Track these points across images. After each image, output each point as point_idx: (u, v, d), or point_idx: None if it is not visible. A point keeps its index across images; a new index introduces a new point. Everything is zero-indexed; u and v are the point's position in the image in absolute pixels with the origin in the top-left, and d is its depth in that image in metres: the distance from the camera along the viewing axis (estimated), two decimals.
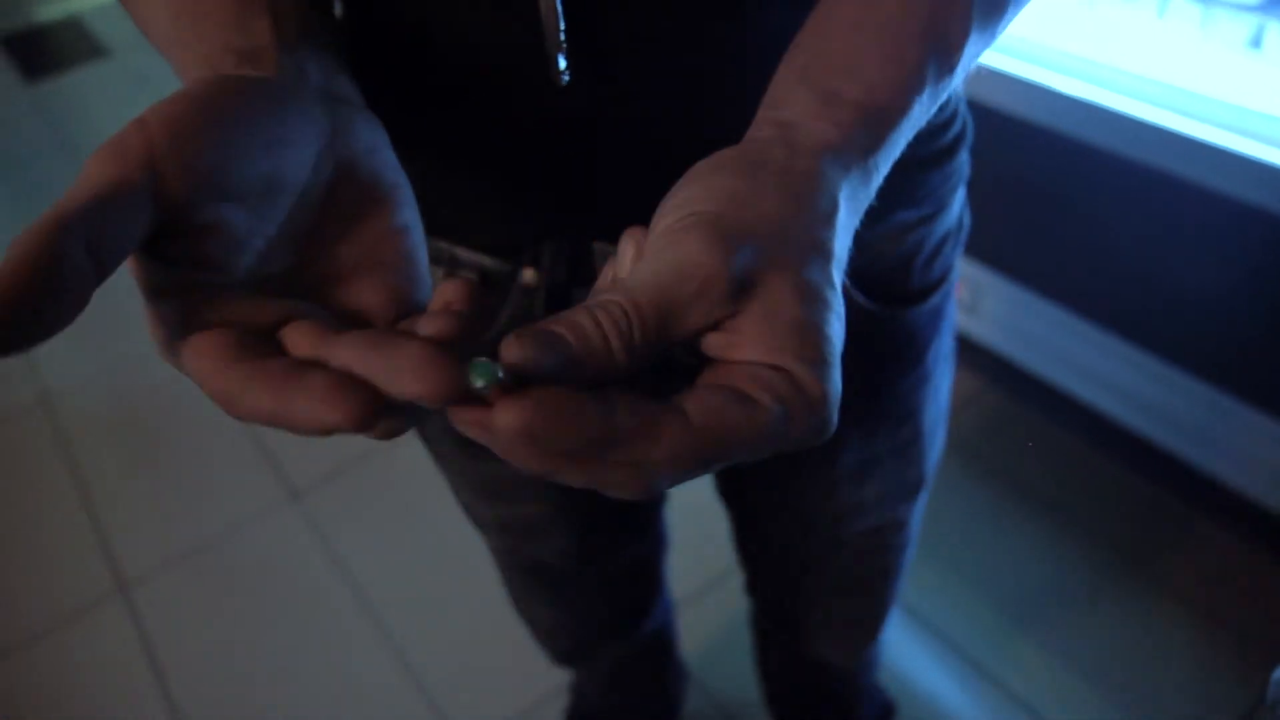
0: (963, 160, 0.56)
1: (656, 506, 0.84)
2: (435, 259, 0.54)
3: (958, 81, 0.38)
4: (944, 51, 0.36)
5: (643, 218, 0.37)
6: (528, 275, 0.51)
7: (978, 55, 0.38)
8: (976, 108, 1.30)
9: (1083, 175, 1.29)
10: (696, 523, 1.18)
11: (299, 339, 0.29)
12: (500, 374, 0.25)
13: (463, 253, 0.53)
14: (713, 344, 0.29)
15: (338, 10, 0.47)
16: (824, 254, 0.30)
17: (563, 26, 0.40)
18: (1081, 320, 1.40)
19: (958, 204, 0.58)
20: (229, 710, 1.37)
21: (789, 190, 0.30)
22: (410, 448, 1.71)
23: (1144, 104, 1.17)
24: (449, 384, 0.24)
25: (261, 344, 0.28)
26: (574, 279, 0.50)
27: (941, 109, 0.53)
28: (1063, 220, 1.36)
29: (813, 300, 0.29)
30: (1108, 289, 1.36)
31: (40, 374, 1.98)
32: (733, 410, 0.26)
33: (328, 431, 0.25)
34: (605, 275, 0.33)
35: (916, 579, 1.38)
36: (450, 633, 1.42)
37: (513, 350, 0.25)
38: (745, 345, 0.28)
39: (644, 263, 0.29)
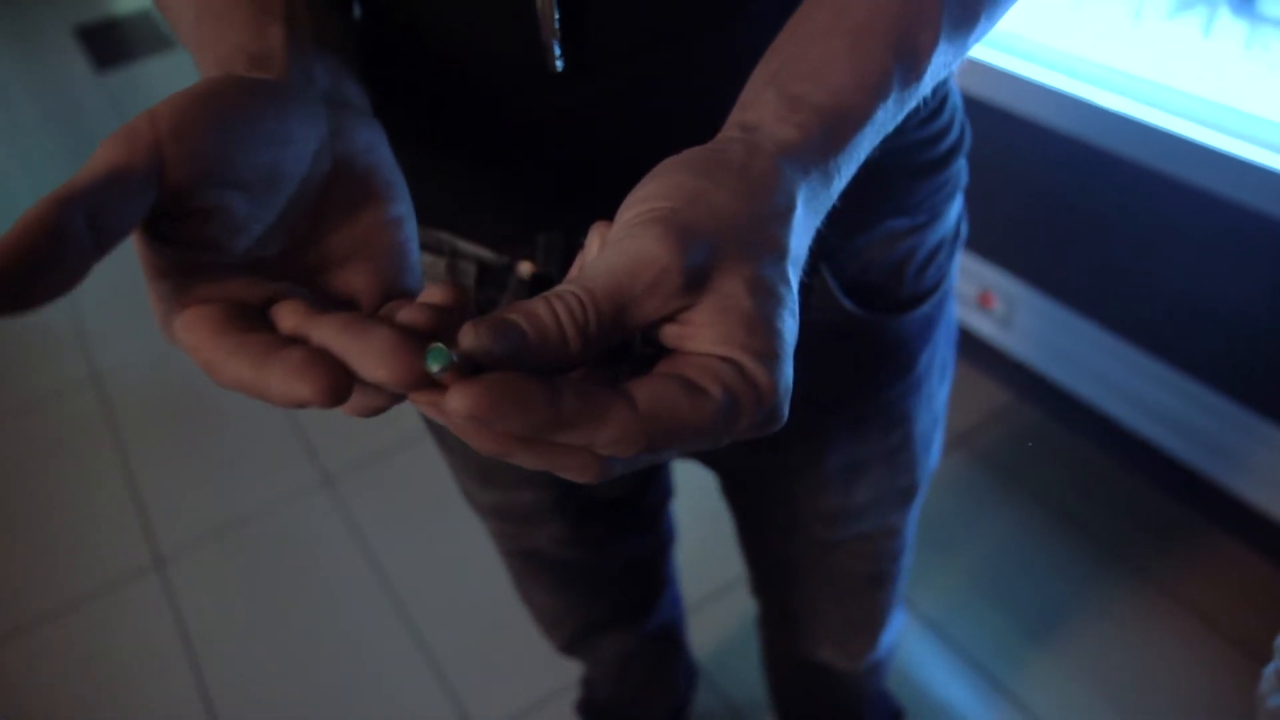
0: (959, 168, 0.56)
1: (661, 503, 0.85)
2: (436, 250, 0.55)
3: (926, 89, 0.38)
4: (911, 60, 0.36)
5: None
6: (524, 267, 0.53)
7: (949, 65, 0.39)
8: (1022, 125, 1.30)
9: (1123, 192, 1.27)
10: (713, 525, 1.18)
11: (286, 316, 0.30)
12: (454, 359, 0.26)
13: (462, 244, 0.54)
14: (668, 334, 0.30)
15: (356, 10, 0.49)
16: (778, 251, 0.31)
17: (557, 15, 0.41)
18: (1113, 336, 1.38)
19: (954, 212, 0.58)
20: (254, 684, 1.40)
21: (746, 189, 0.31)
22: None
23: (1186, 121, 1.15)
24: (409, 371, 0.26)
25: (249, 318, 0.30)
26: (566, 271, 0.51)
27: (935, 118, 0.53)
28: (1100, 237, 1.34)
29: (765, 295, 0.29)
30: (1140, 306, 1.34)
31: (92, 353, 2.05)
32: (680, 399, 0.27)
33: (299, 404, 0.27)
34: (575, 266, 0.34)
35: (933, 588, 1.37)
36: (470, 621, 1.44)
37: (468, 337, 0.26)
38: (698, 337, 0.29)
39: (602, 255, 0.30)
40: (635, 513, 0.82)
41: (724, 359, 0.29)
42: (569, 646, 0.98)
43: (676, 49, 0.43)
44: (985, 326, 1.57)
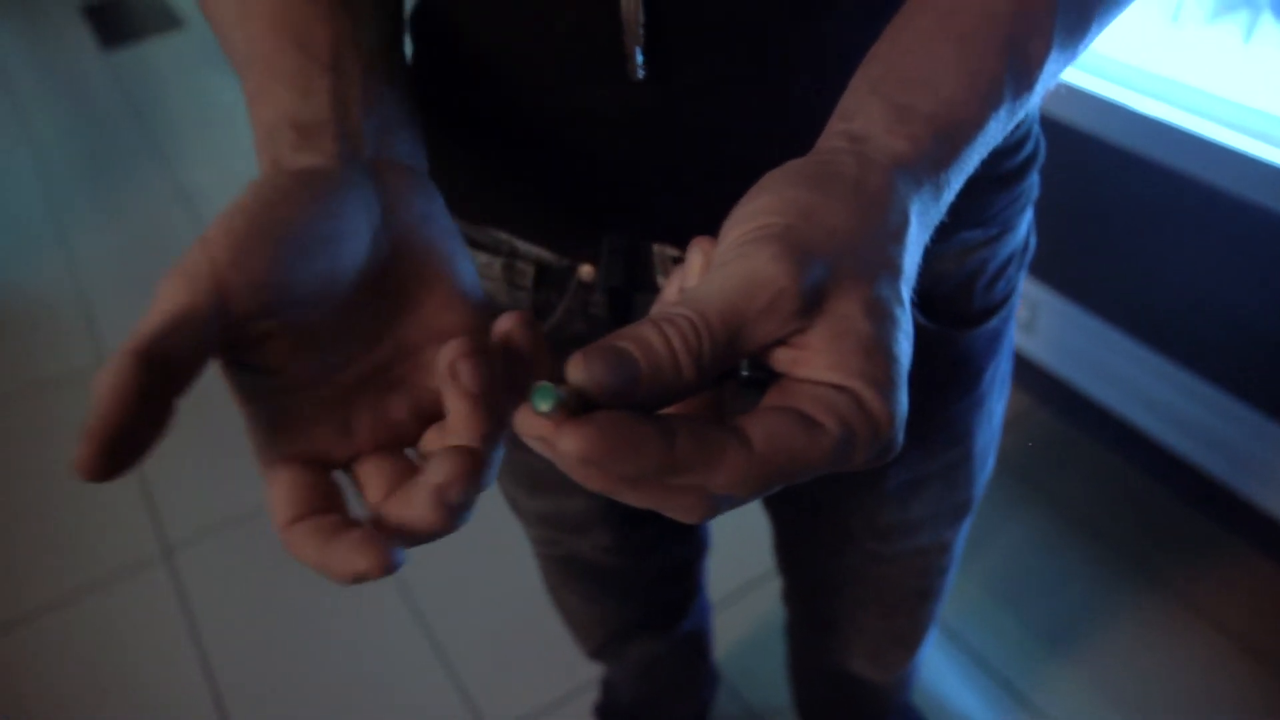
0: (1032, 181, 0.55)
1: None
2: (494, 250, 0.54)
3: (1036, 99, 0.37)
4: (1023, 67, 0.35)
5: (703, 222, 0.36)
6: (584, 271, 0.51)
7: (1058, 73, 0.37)
8: (1052, 127, 1.28)
9: (1151, 197, 1.26)
10: (734, 526, 1.17)
11: (371, 486, 0.33)
12: (562, 397, 0.25)
13: (522, 245, 0.52)
14: (780, 359, 0.28)
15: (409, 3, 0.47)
16: (894, 270, 0.29)
17: (643, 23, 0.39)
18: (1136, 343, 1.36)
19: (1024, 225, 0.57)
20: (263, 678, 1.39)
21: (860, 205, 0.30)
22: None
23: (1222, 126, 1.14)
24: (448, 525, 0.30)
25: (327, 493, 0.32)
26: (631, 279, 0.49)
27: (1015, 128, 0.51)
28: (1127, 242, 1.33)
29: (882, 318, 0.28)
30: (1166, 312, 1.32)
31: (101, 341, 2.03)
32: (796, 435, 0.26)
33: (359, 578, 0.29)
34: (672, 284, 0.33)
35: (954, 598, 1.36)
36: (485, 621, 1.43)
37: (577, 370, 0.25)
38: (812, 363, 0.27)
39: (713, 275, 0.28)
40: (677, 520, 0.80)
41: (839, 388, 0.27)
42: (599, 652, 0.96)
43: (752, 54, 0.42)
44: None
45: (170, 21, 3.39)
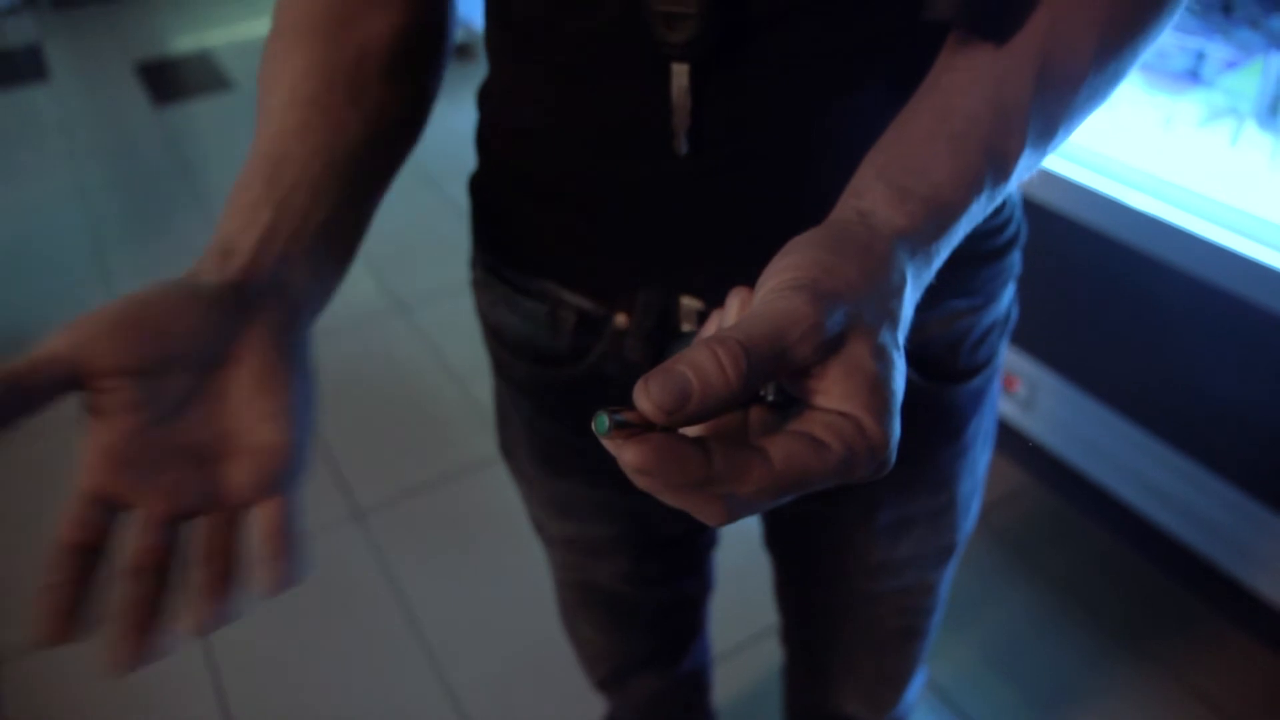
0: (1014, 259, 0.63)
1: (708, 548, 0.90)
2: (540, 298, 0.61)
3: (1012, 187, 0.44)
4: (1001, 163, 0.43)
5: (727, 278, 0.44)
6: (620, 319, 0.59)
7: (1032, 168, 0.45)
8: (1054, 219, 1.36)
9: (1147, 288, 1.33)
10: (739, 581, 1.22)
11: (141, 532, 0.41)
12: (620, 420, 0.32)
13: (566, 295, 0.60)
14: (801, 385, 0.35)
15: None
16: (894, 321, 0.37)
17: (689, 106, 0.47)
18: (1131, 424, 1.42)
19: (1007, 298, 0.64)
20: (275, 709, 1.43)
21: (869, 266, 0.37)
22: (472, 481, 1.78)
23: (1212, 225, 1.21)
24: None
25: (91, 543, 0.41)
26: (661, 326, 0.57)
27: (998, 213, 0.59)
28: (1123, 328, 1.40)
29: (884, 360, 0.35)
30: (1160, 397, 1.38)
31: None
32: (808, 454, 0.33)
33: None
34: (711, 324, 0.40)
35: (946, 658, 1.40)
36: (492, 659, 1.47)
37: (641, 396, 0.31)
38: (828, 391, 0.34)
39: (754, 312, 0.35)
40: (688, 554, 0.86)
41: (844, 415, 0.34)
42: (605, 682, 1.01)
43: (782, 134, 0.49)
44: (1007, 408, 1.62)
45: (220, 82, 3.56)
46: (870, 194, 0.41)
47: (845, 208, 0.41)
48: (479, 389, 2.03)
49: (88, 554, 0.40)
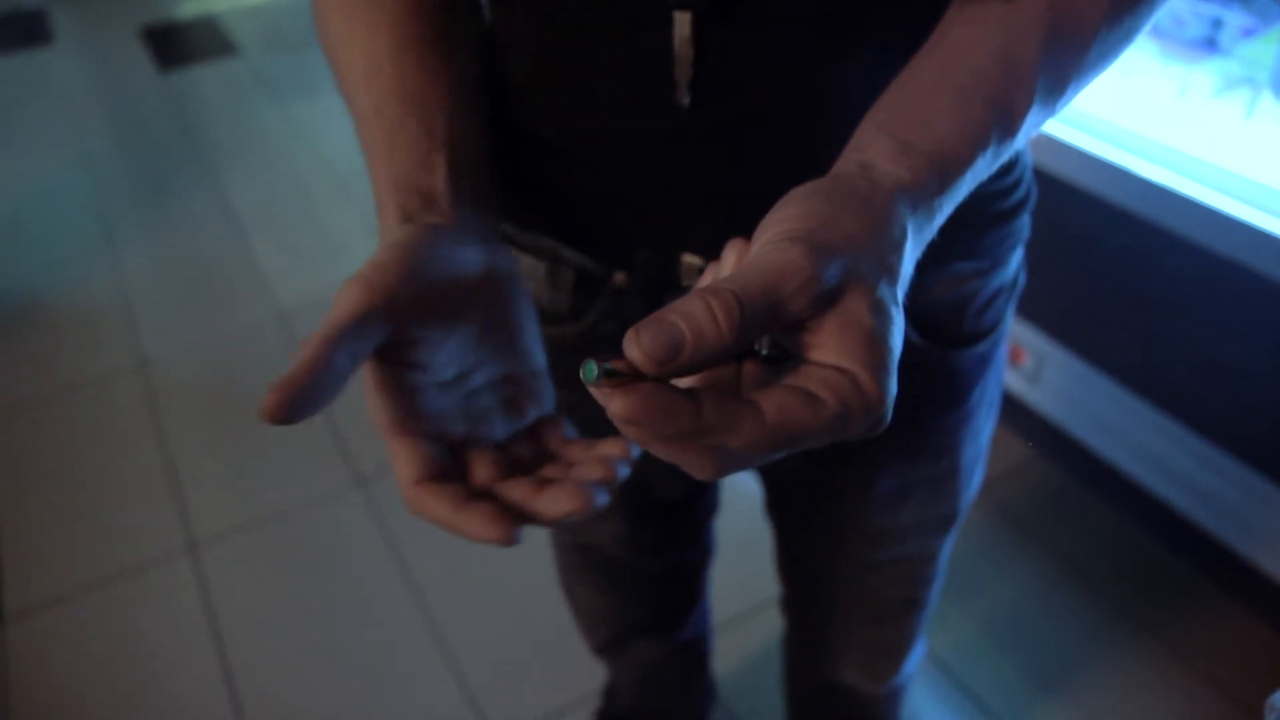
0: (1023, 223, 0.61)
1: (707, 516, 0.89)
2: (538, 253, 0.60)
3: (1019, 144, 0.43)
4: (1007, 119, 0.41)
5: (728, 234, 0.43)
6: (618, 278, 0.58)
7: (1039, 125, 0.44)
8: (1065, 190, 1.34)
9: (1157, 260, 1.31)
10: (742, 551, 1.22)
11: (479, 469, 0.42)
12: (608, 368, 0.31)
13: (565, 251, 0.59)
14: (796, 339, 0.34)
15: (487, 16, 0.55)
16: (892, 275, 0.36)
17: (692, 57, 0.46)
18: (1137, 398, 1.41)
19: (1015, 262, 0.63)
20: (277, 675, 1.44)
21: (870, 219, 0.36)
22: None
23: (1226, 197, 1.20)
24: (585, 506, 0.40)
25: (447, 468, 0.41)
26: (661, 285, 0.56)
27: (1007, 174, 0.58)
28: (1132, 301, 1.38)
29: (880, 314, 0.34)
30: (1167, 370, 1.37)
31: (141, 341, 2.11)
32: (801, 408, 0.32)
33: (487, 542, 0.38)
34: (707, 276, 0.39)
35: (948, 632, 1.40)
36: (493, 629, 1.48)
37: (631, 346, 0.31)
38: (823, 345, 0.33)
39: (749, 263, 0.34)
40: (685, 522, 0.86)
41: (840, 370, 0.33)
42: (604, 648, 1.01)
43: (784, 88, 0.48)
44: (1013, 381, 1.61)
45: (225, 47, 3.54)
46: (872, 147, 0.40)
47: (847, 160, 0.40)
48: None
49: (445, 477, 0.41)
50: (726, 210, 0.52)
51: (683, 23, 0.45)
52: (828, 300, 0.33)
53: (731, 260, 0.38)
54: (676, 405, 0.30)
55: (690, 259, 0.55)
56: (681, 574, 0.93)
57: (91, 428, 1.91)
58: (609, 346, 0.60)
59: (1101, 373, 1.46)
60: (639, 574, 0.88)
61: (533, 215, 0.60)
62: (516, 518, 0.39)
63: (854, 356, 0.33)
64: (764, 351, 0.36)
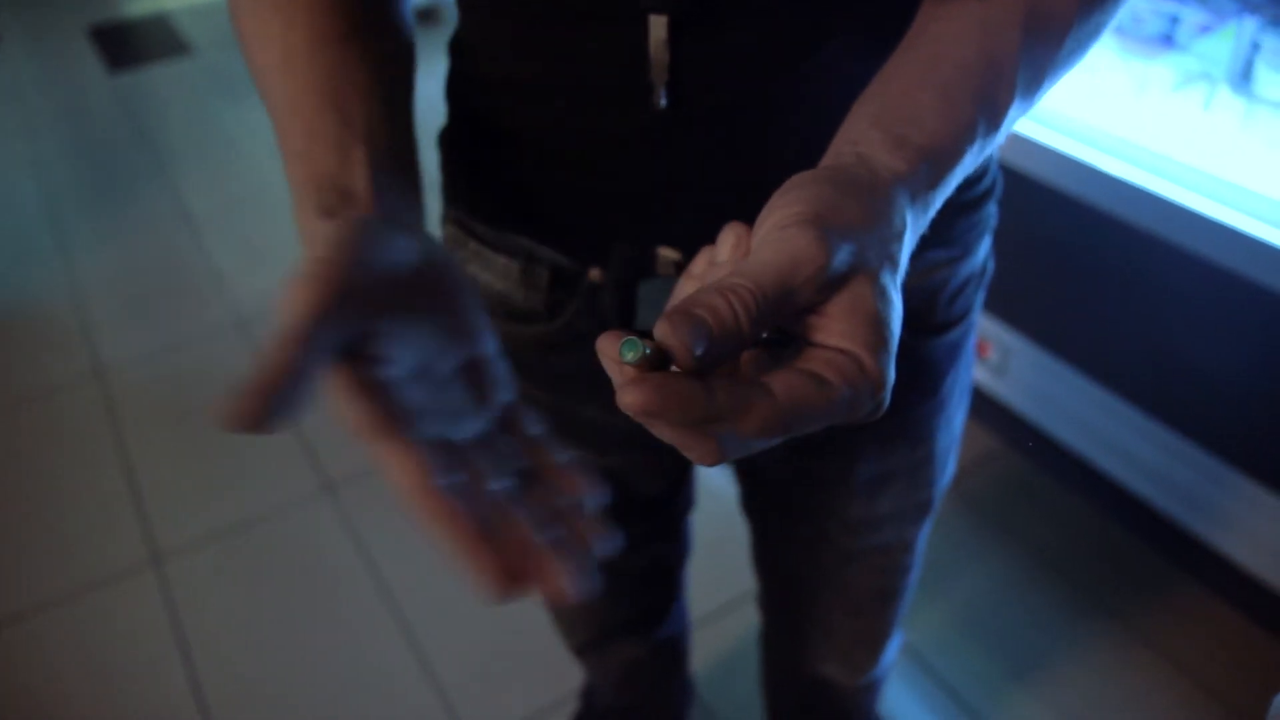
0: (990, 211, 0.62)
1: (685, 511, 0.89)
2: (512, 254, 0.60)
3: (1001, 138, 0.44)
4: (992, 113, 0.42)
5: (704, 229, 0.43)
6: (594, 274, 0.58)
7: (1019, 117, 0.45)
8: (1028, 184, 1.36)
9: (1119, 253, 1.33)
10: (715, 549, 1.22)
11: (482, 480, 0.39)
12: (647, 351, 0.31)
13: (540, 250, 0.59)
14: (801, 323, 0.35)
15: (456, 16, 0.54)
16: (894, 264, 0.36)
17: (668, 60, 0.46)
18: (1102, 389, 1.44)
19: (983, 250, 0.64)
20: (249, 687, 1.42)
21: (873, 207, 0.37)
22: None
23: (1185, 190, 1.22)
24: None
25: (441, 464, 0.38)
26: (636, 280, 0.56)
27: None
28: (1095, 294, 1.41)
29: (885, 301, 0.35)
30: (1131, 361, 1.40)
31: (97, 349, 2.07)
32: (810, 390, 0.32)
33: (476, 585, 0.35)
34: (700, 259, 0.39)
35: (919, 623, 1.41)
36: (467, 632, 1.47)
37: (667, 333, 0.31)
38: (828, 329, 0.34)
39: (758, 251, 0.34)
40: (664, 518, 0.86)
41: (845, 352, 0.33)
42: (584, 648, 1.01)
43: (759, 85, 0.49)
44: (980, 374, 1.63)
45: (177, 47, 3.47)
46: (866, 141, 0.40)
47: (842, 151, 0.40)
48: None
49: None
50: (702, 204, 0.52)
51: (658, 26, 0.45)
52: (835, 285, 0.34)
53: (729, 244, 0.38)
54: (691, 392, 0.30)
55: (666, 252, 0.55)
56: (661, 571, 0.93)
57: (48, 439, 1.87)
58: (585, 344, 0.60)
59: (1067, 364, 1.48)
60: (620, 573, 0.88)
61: (506, 215, 0.59)
62: (514, 577, 0.35)
63: (858, 340, 0.33)
64: (764, 335, 0.36)
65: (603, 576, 0.90)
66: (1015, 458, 1.66)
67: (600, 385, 0.56)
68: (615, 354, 0.31)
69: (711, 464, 0.33)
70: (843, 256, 0.34)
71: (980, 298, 0.66)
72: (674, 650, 1.06)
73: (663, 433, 0.32)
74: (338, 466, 1.76)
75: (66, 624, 1.51)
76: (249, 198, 2.60)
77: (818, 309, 0.34)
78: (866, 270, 0.35)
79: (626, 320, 0.58)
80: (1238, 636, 1.38)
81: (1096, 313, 1.42)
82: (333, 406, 0.38)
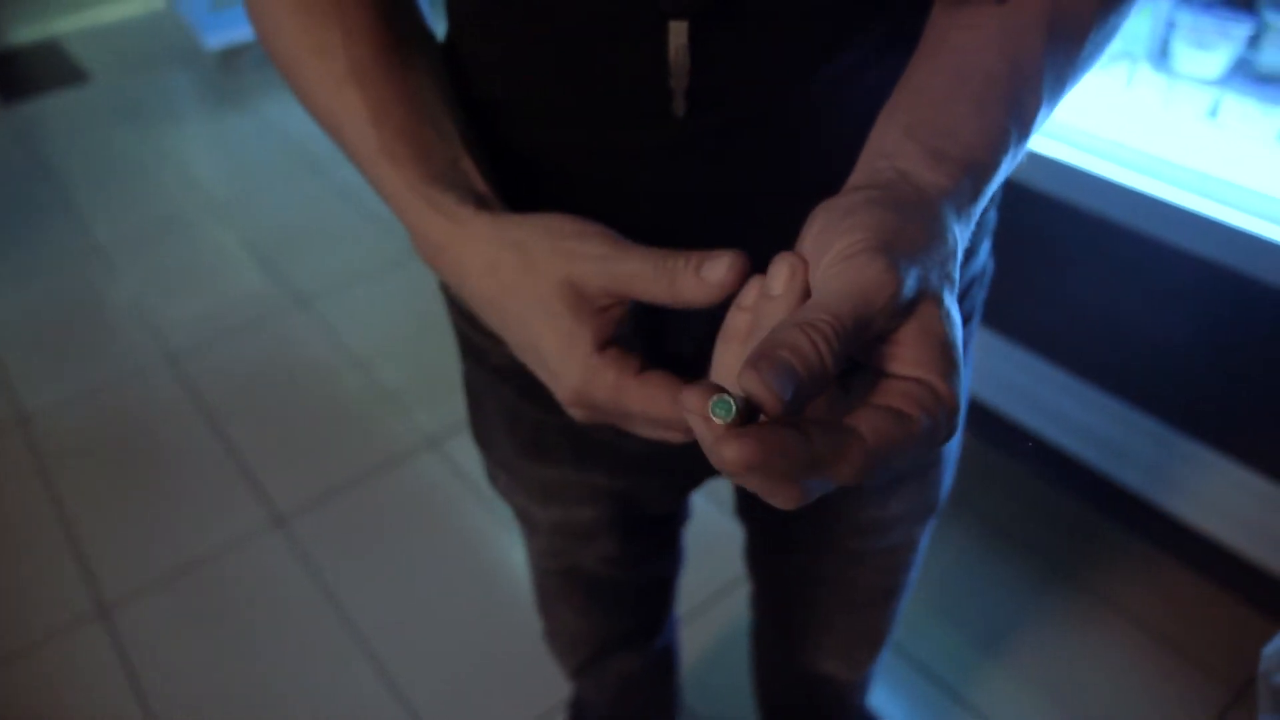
0: (991, 215, 0.63)
1: (682, 523, 0.88)
2: None
3: (1029, 144, 0.44)
4: (1022, 119, 0.42)
5: (725, 242, 0.42)
6: None
7: (1047, 119, 0.45)
8: None
9: (1050, 227, 1.37)
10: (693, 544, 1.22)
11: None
12: (738, 407, 0.30)
13: None
14: (877, 352, 0.34)
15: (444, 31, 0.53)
16: (953, 284, 0.36)
17: (688, 66, 0.45)
18: (1046, 362, 1.47)
19: (984, 252, 0.64)
20: None
21: (930, 228, 0.37)
22: (396, 474, 1.73)
23: (1111, 163, 1.26)
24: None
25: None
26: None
27: None
28: (1029, 268, 1.44)
29: (950, 323, 0.35)
30: (1071, 334, 1.44)
31: (17, 396, 1.97)
32: (895, 428, 0.32)
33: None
34: (750, 291, 0.39)
35: None
36: (438, 658, 1.44)
37: (751, 382, 0.30)
38: (901, 356, 0.34)
39: (828, 283, 0.34)
40: (667, 533, 0.85)
41: (919, 381, 0.33)
42: (581, 668, 0.99)
43: (779, 91, 0.47)
44: None
45: (74, 75, 3.33)
46: (904, 156, 0.40)
47: (882, 169, 0.40)
48: (389, 377, 1.96)
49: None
50: (722, 218, 0.51)
51: (678, 32, 0.44)
52: (904, 311, 0.34)
53: (784, 276, 0.37)
54: (793, 446, 0.30)
55: None
56: (660, 584, 0.92)
57: None
58: None
59: (1005, 339, 1.51)
60: (623, 590, 0.87)
61: None
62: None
63: (931, 366, 0.33)
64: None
65: (605, 594, 0.90)
66: (970, 438, 1.70)
67: None
68: (704, 411, 0.30)
69: (793, 507, 0.33)
70: (911, 283, 0.34)
71: (982, 298, 0.67)
72: (667, 659, 1.06)
73: (751, 481, 0.32)
74: (287, 497, 1.71)
75: (15, 684, 1.44)
76: (162, 225, 2.51)
77: (888, 337, 0.34)
78: (931, 293, 0.35)
79: (648, 340, 0.57)
80: (1191, 591, 1.44)
81: (1030, 287, 1.45)
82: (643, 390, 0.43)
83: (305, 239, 2.42)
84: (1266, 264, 1.14)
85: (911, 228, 0.36)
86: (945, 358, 0.34)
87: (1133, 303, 1.34)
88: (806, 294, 0.36)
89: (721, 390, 0.31)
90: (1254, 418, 1.30)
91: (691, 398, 0.31)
